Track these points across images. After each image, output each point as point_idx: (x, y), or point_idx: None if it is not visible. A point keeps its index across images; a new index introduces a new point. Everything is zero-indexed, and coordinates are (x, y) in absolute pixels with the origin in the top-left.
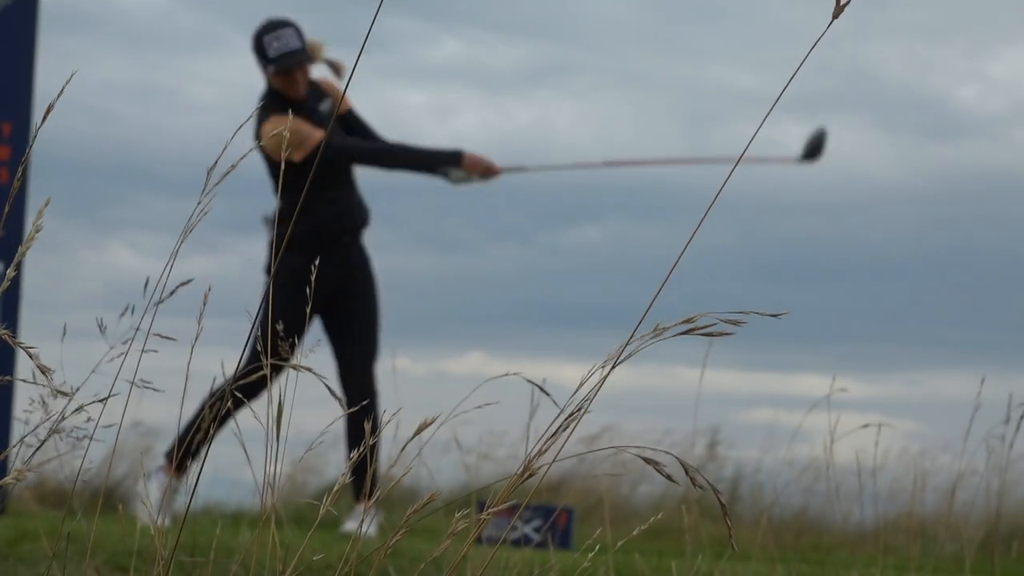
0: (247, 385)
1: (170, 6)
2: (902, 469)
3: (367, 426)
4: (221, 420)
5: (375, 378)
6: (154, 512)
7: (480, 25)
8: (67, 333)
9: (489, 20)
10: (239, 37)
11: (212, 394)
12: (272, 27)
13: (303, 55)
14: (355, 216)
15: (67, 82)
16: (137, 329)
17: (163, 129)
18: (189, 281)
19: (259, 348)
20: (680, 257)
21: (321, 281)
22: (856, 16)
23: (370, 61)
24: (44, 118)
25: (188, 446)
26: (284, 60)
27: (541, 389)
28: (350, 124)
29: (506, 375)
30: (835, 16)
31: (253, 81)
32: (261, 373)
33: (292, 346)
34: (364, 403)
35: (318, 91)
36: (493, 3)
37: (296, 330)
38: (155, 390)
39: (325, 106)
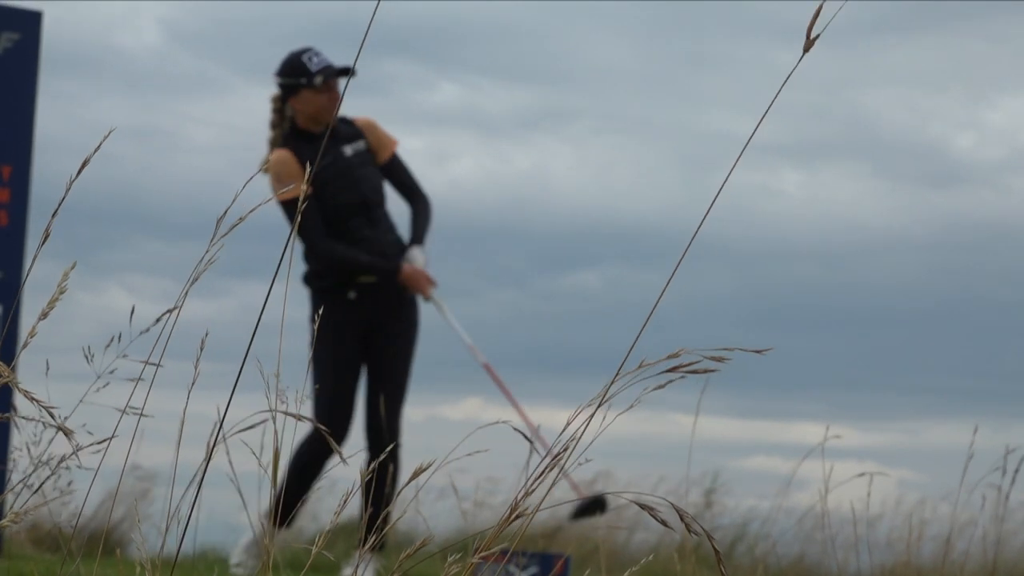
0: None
1: (169, 48)
2: (899, 518)
3: (390, 470)
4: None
5: (399, 429)
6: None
7: (478, 70)
8: (63, 376)
9: (487, 65)
10: (238, 80)
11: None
12: (307, 49)
13: (348, 71)
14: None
15: (105, 137)
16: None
17: (162, 171)
18: (174, 309)
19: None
20: (660, 298)
21: (340, 331)
22: (855, 64)
23: (368, 104)
24: (80, 171)
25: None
26: (328, 70)
27: (525, 437)
28: (390, 173)
29: (496, 423)
30: (805, 50)
31: (252, 124)
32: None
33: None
34: (387, 449)
35: (352, 131)
36: (491, 48)
37: (328, 381)
38: (143, 415)
39: (351, 149)
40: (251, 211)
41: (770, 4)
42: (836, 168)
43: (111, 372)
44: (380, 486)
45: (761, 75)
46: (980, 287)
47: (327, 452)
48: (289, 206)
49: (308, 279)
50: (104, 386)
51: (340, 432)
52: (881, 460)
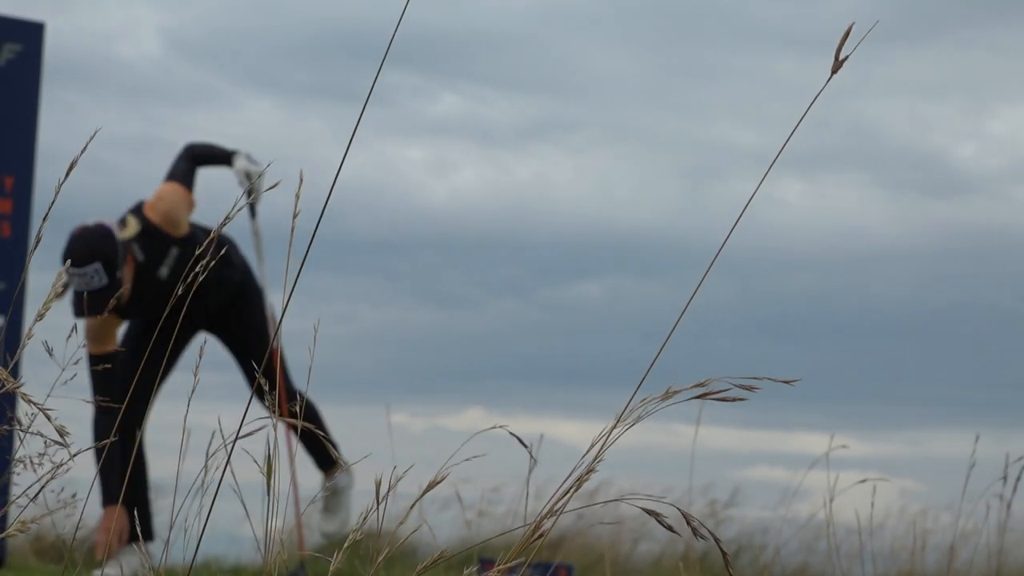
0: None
1: (170, 59)
2: (903, 528)
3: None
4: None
5: (285, 384)
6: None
7: (479, 80)
8: (65, 386)
9: (488, 75)
10: (238, 90)
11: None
12: (78, 255)
13: (105, 299)
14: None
15: (90, 139)
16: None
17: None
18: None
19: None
20: (680, 317)
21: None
22: (856, 74)
23: (368, 115)
24: (68, 174)
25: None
26: (81, 306)
27: (522, 443)
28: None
29: (494, 428)
30: (833, 71)
31: (252, 134)
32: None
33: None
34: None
35: (160, 243)
36: (492, 58)
37: (127, 368)
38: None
39: (167, 268)
40: (223, 223)
41: (772, 15)
42: (837, 178)
43: (75, 363)
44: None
45: (763, 86)
46: (981, 297)
47: (109, 432)
48: (95, 360)
49: None
50: (72, 378)
51: (131, 417)
52: (884, 470)
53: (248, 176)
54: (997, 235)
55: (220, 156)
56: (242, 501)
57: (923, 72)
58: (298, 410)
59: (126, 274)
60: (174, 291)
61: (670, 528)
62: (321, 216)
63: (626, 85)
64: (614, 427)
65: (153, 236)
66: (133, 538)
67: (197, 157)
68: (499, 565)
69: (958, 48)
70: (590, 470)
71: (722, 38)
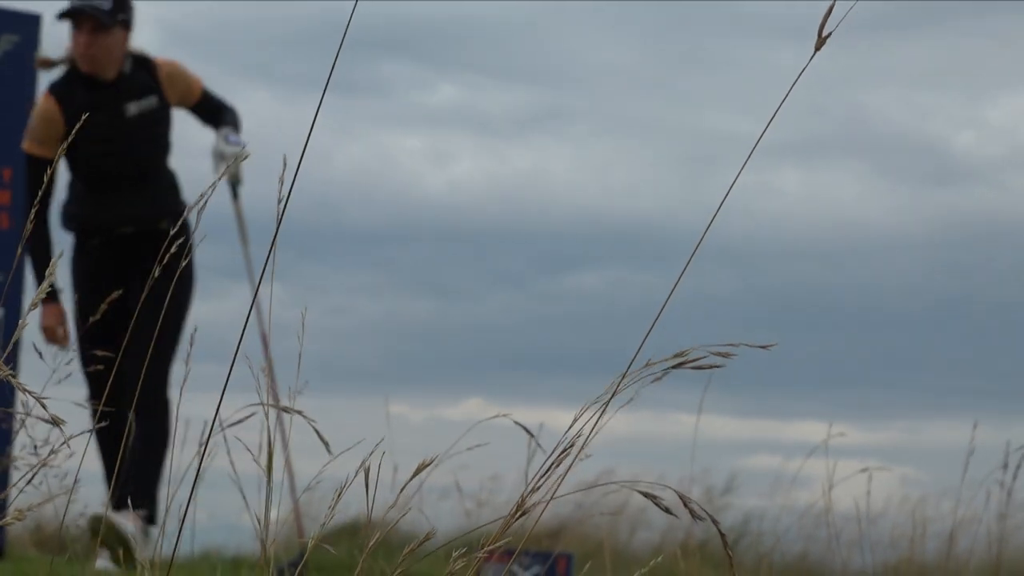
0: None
1: (166, 50)
2: (902, 515)
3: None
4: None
5: (155, 385)
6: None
7: (477, 70)
8: (66, 381)
9: (486, 65)
10: (236, 81)
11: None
12: None
13: (96, 12)
14: (112, 219)
15: (79, 124)
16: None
17: None
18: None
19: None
20: (668, 299)
21: (87, 280)
22: (855, 62)
23: (366, 105)
24: (57, 160)
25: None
26: (69, 11)
27: (525, 430)
28: (200, 110)
29: (496, 416)
30: (816, 48)
31: (250, 125)
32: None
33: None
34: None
35: (146, 83)
36: (490, 48)
37: (84, 338)
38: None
39: (137, 107)
40: (204, 199)
41: (769, 4)
42: (835, 166)
43: (67, 363)
44: (145, 449)
45: (760, 75)
46: (980, 285)
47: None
48: (33, 163)
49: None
50: (66, 377)
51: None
52: (883, 458)
53: (224, 158)
54: (996, 223)
55: (216, 121)
56: (241, 491)
57: (922, 60)
58: (157, 423)
59: (118, 39)
60: (130, 143)
61: (667, 510)
62: (286, 204)
63: (624, 75)
64: (594, 403)
65: (147, 69)
66: (122, 506)
67: (219, 112)
68: (486, 547)
69: (957, 36)
70: (571, 444)
71: (721, 27)
